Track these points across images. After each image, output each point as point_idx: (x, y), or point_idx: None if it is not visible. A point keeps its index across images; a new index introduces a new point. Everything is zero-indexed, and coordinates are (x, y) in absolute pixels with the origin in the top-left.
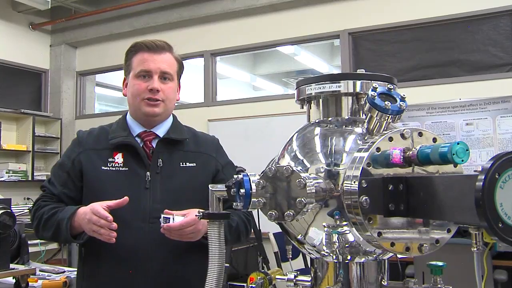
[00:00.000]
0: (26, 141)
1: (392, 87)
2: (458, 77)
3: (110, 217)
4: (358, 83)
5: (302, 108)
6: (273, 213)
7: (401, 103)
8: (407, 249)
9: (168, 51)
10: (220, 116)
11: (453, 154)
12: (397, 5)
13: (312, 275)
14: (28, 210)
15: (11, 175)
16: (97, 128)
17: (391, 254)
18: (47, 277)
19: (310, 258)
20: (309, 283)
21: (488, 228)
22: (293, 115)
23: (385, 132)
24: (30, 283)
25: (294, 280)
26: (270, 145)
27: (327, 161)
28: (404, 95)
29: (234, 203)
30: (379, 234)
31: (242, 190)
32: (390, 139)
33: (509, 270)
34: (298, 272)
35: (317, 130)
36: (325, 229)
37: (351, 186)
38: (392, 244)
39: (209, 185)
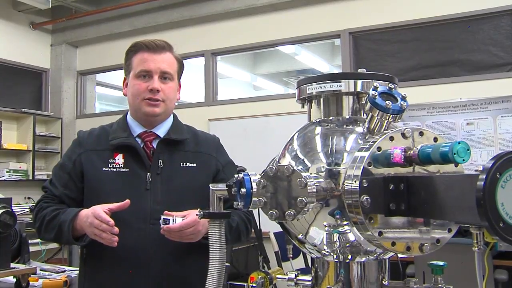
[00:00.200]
0: (26, 141)
1: (393, 86)
2: (458, 77)
3: (112, 222)
4: (359, 82)
5: (303, 107)
6: (274, 212)
7: (402, 102)
8: (408, 248)
9: (168, 50)
10: (221, 115)
11: (454, 154)
12: (397, 5)
13: (312, 274)
14: (29, 210)
15: (12, 175)
16: (98, 128)
17: (391, 254)
18: (47, 277)
19: (311, 257)
20: (310, 283)
21: (489, 227)
22: (294, 114)
23: (386, 131)
24: (30, 282)
25: (295, 279)
26: (270, 145)
27: (328, 161)
28: (405, 94)
29: (234, 203)
30: (380, 233)
31: (243, 190)
32: (391, 138)
33: (510, 270)
34: (298, 272)
35: (318, 129)
36: (326, 228)
37: (352, 186)
38: (393, 244)
39: (210, 185)
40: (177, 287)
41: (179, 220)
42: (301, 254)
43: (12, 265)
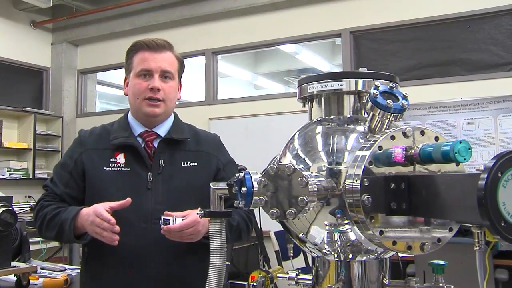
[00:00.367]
0: (27, 139)
1: (394, 85)
2: (459, 76)
3: (113, 220)
4: (360, 81)
5: (304, 106)
6: (275, 211)
7: (403, 101)
8: (409, 247)
9: (169, 49)
10: (221, 114)
11: (456, 153)
12: (398, 4)
13: (313, 273)
14: (29, 208)
15: (12, 173)
16: (99, 128)
17: (392, 253)
18: (48, 275)
19: (312, 256)
20: (311, 282)
21: (491, 227)
22: (294, 113)
23: (387, 130)
24: (31, 281)
25: (295, 278)
26: (271, 144)
27: (329, 160)
28: (406, 93)
29: (235, 202)
30: (381, 232)
31: (244, 189)
32: (392, 137)
33: (510, 269)
34: (299, 271)
35: (319, 128)
36: (327, 227)
37: (353, 185)
38: (394, 243)
39: (211, 183)
40: (177, 286)
41: (179, 220)
42: (302, 253)
43: (13, 263)
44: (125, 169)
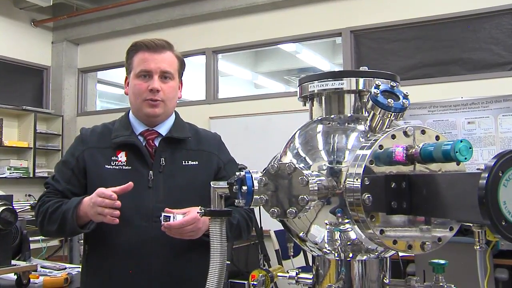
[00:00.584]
0: (27, 138)
1: (395, 84)
2: (460, 76)
3: (115, 196)
4: (361, 80)
5: (305, 105)
6: (275, 210)
7: (404, 100)
8: (410, 247)
9: (168, 49)
10: (222, 113)
11: (456, 152)
12: (399, 3)
13: (313, 272)
14: (29, 207)
15: (13, 172)
16: (100, 126)
17: (393, 252)
18: (48, 274)
19: (312, 255)
20: (311, 281)
21: (491, 226)
22: (295, 112)
23: (388, 129)
24: (31, 280)
25: (296, 277)
26: (271, 143)
27: (329, 159)
28: (407, 92)
29: (236, 200)
30: (382, 232)
31: (244, 187)
32: (393, 136)
33: (510, 269)
34: (299, 270)
35: (320, 127)
36: (327, 226)
37: (353, 184)
38: (395, 242)
39: (211, 182)
40: (178, 284)
41: (179, 217)
42: (302, 252)
43: (13, 262)
44: (126, 168)
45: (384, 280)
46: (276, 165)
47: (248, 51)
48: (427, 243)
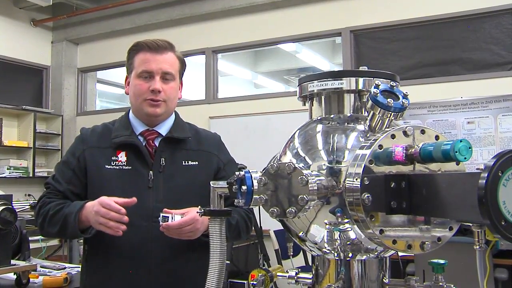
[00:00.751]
0: (27, 138)
1: (394, 84)
2: (459, 75)
3: (123, 210)
4: (361, 80)
5: (304, 105)
6: (275, 210)
7: (403, 100)
8: (409, 246)
9: (170, 50)
10: (221, 113)
11: (456, 152)
12: (398, 3)
13: (313, 272)
14: (29, 207)
15: (12, 172)
16: (100, 126)
17: (392, 252)
18: (48, 273)
19: (311, 255)
20: (310, 281)
21: (491, 226)
22: (294, 112)
23: (388, 129)
24: (31, 279)
25: (295, 277)
26: (271, 143)
27: (329, 158)
28: (406, 92)
29: (235, 200)
30: (381, 231)
31: (244, 187)
32: (393, 136)
33: (510, 268)
34: (299, 270)
35: (319, 127)
36: (327, 226)
37: (353, 184)
38: (394, 242)
39: (211, 182)
40: (178, 284)
41: (178, 217)
42: (302, 252)
43: (13, 261)
44: (127, 168)
45: (383, 280)
46: (275, 165)
47: (248, 51)
48: (426, 243)
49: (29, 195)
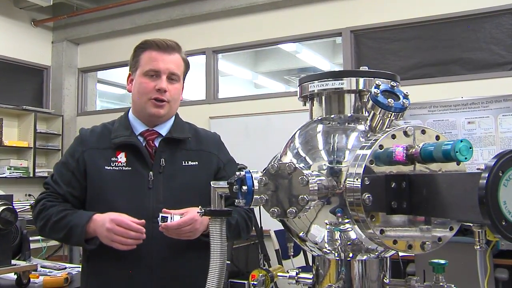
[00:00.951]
0: (27, 138)
1: (395, 84)
2: (460, 76)
3: (143, 229)
4: (361, 80)
5: (305, 105)
6: (275, 210)
7: (404, 100)
8: (410, 246)
9: (178, 51)
10: (222, 113)
11: (457, 152)
12: (399, 3)
13: (313, 272)
14: (30, 207)
15: (13, 172)
16: (100, 126)
17: (393, 252)
18: (48, 273)
19: (312, 255)
20: (311, 281)
21: (492, 226)
22: (295, 112)
23: (388, 129)
24: (31, 279)
25: (296, 277)
26: (271, 143)
27: (329, 159)
28: (407, 92)
29: (236, 200)
30: (382, 231)
31: (244, 187)
32: (393, 136)
33: (510, 268)
34: (299, 270)
35: (320, 127)
36: (327, 226)
37: (353, 184)
38: (395, 242)
39: (211, 182)
40: (178, 284)
41: (177, 218)
42: (302, 252)
43: (13, 262)
44: (126, 168)
45: (384, 280)
46: (276, 165)
47: (248, 51)
48: (427, 243)
49: (29, 195)
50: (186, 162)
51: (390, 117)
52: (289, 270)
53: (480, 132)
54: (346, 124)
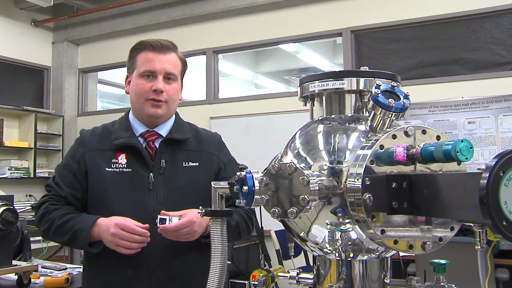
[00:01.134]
0: (28, 138)
1: (395, 84)
2: (460, 76)
3: (148, 233)
4: (362, 80)
5: (305, 105)
6: (276, 210)
7: (404, 100)
8: (410, 246)
9: (173, 51)
10: (222, 113)
11: (457, 152)
12: (399, 3)
13: (314, 272)
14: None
15: (13, 172)
16: (100, 127)
17: (393, 252)
18: (49, 274)
19: (313, 255)
20: (312, 281)
21: (492, 225)
22: (295, 112)
23: (389, 129)
24: (32, 280)
25: (296, 277)
26: (271, 143)
27: (330, 159)
28: (407, 92)
29: (236, 201)
30: (382, 231)
31: (245, 187)
32: (394, 136)
33: (511, 268)
34: (300, 270)
35: (320, 127)
36: (328, 226)
37: (354, 184)
38: (395, 242)
39: (212, 182)
40: (178, 285)
41: (175, 219)
42: (303, 252)
43: (14, 262)
44: (127, 170)
45: (385, 280)
46: (277, 165)
47: (249, 51)
48: (428, 243)
49: (30, 195)
50: (186, 163)
51: (390, 117)
52: (289, 270)
53: (480, 132)
54: (347, 124)
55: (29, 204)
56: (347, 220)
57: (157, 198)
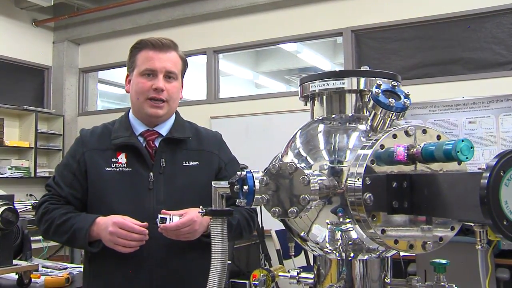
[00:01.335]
0: (28, 138)
1: (396, 84)
2: (461, 75)
3: (146, 231)
4: (362, 80)
5: (306, 105)
6: (277, 210)
7: (405, 100)
8: (411, 246)
9: (174, 49)
10: (223, 113)
11: (458, 152)
12: (400, 3)
13: (315, 272)
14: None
15: (14, 172)
16: (100, 127)
17: (394, 252)
18: (49, 273)
19: (313, 255)
20: (312, 281)
21: (493, 225)
22: (295, 112)
23: (389, 129)
24: (32, 279)
25: (297, 277)
26: (272, 143)
27: (330, 158)
28: (408, 92)
29: (237, 200)
30: (383, 231)
31: (246, 187)
32: (394, 136)
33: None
34: (301, 270)
35: (321, 127)
36: (328, 226)
37: (354, 183)
38: (396, 242)
39: (212, 182)
40: (179, 284)
41: (176, 219)
42: (303, 252)
43: (14, 262)
44: (127, 169)
45: (385, 279)
46: (277, 165)
47: (249, 51)
48: (428, 242)
49: (30, 195)
50: (186, 162)
51: (391, 116)
52: (290, 270)
53: (481, 132)
54: (347, 124)
55: (30, 204)
56: (348, 220)
57: (157, 197)
